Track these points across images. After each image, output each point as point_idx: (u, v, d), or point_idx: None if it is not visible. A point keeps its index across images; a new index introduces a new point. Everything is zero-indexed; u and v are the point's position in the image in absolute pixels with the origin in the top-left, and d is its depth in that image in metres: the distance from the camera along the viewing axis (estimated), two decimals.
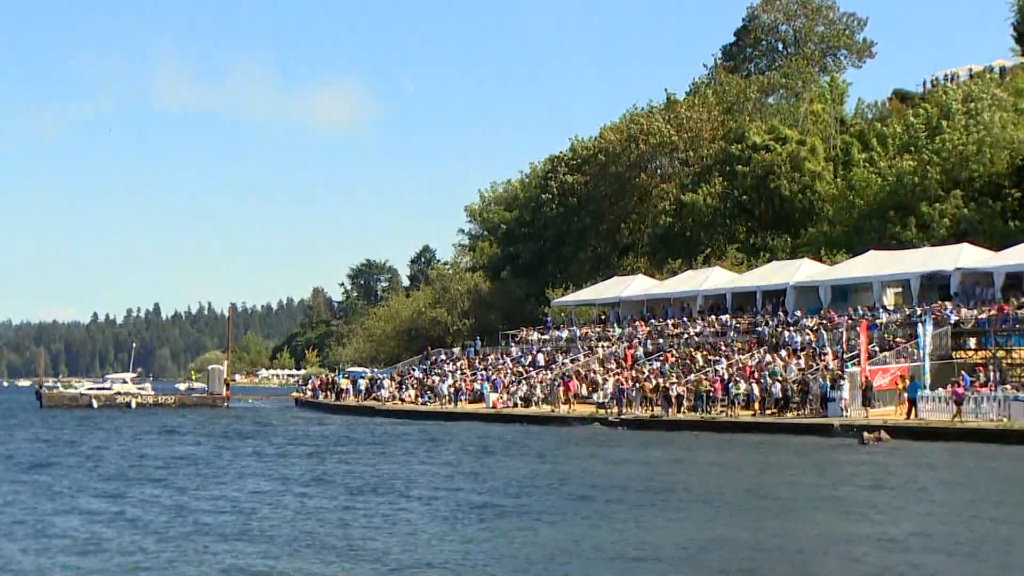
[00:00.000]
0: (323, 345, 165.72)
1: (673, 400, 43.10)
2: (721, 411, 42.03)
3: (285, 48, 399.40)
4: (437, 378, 60.78)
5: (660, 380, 45.59)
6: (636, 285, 63.14)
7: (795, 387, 40.65)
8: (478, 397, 54.31)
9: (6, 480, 25.57)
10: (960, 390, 35.50)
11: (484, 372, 58.31)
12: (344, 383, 68.17)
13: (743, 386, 41.76)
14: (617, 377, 48.51)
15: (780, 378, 41.45)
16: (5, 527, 18.42)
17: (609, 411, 44.63)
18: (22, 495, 22.63)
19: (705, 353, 49.09)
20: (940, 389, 37.07)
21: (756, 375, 42.97)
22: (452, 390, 55.98)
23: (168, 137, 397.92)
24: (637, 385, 45.72)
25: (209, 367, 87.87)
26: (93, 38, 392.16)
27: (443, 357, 67.32)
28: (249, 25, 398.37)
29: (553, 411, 48.10)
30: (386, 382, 63.03)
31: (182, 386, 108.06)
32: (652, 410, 43.72)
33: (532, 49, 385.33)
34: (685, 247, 70.30)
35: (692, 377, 45.15)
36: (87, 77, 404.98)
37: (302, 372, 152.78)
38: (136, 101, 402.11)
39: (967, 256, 47.50)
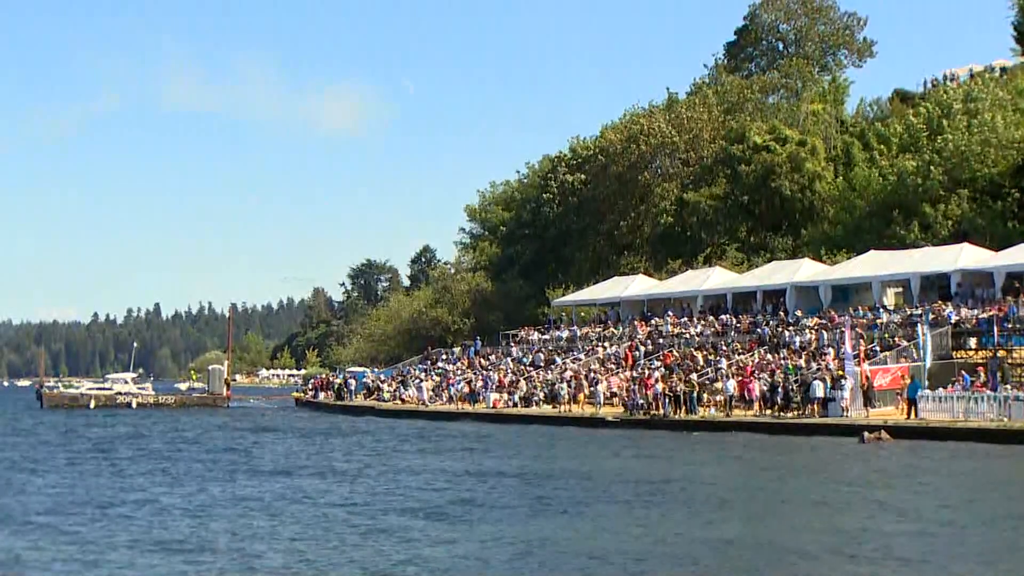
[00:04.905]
0: (323, 345, 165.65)
1: (672, 401, 43.12)
2: (720, 411, 42.12)
3: (289, 49, 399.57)
4: (439, 378, 60.81)
5: (663, 381, 45.53)
6: (636, 285, 63.11)
7: (796, 387, 40.69)
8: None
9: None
10: None
11: (484, 372, 58.33)
12: (339, 382, 69.19)
13: (758, 385, 41.74)
14: (616, 378, 48.55)
15: (779, 378, 41.49)
16: None
17: (637, 412, 44.30)
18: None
19: (705, 353, 49.10)
20: (940, 389, 37.11)
21: (757, 374, 43.05)
22: (467, 391, 55.82)
23: (170, 137, 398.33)
24: (641, 386, 45.66)
25: (209, 367, 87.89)
26: (97, 37, 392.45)
27: (443, 357, 67.35)
28: (254, 26, 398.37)
29: (558, 411, 48.16)
30: (424, 383, 60.96)
31: (183, 386, 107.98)
32: (652, 411, 43.70)
33: (532, 49, 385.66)
34: (685, 247, 70.29)
35: (694, 377, 45.14)
36: (91, 77, 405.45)
37: (302, 372, 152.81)
38: (140, 101, 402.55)
39: (967, 256, 47.49)
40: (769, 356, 45.59)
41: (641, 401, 44.30)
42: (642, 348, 53.24)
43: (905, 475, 25.47)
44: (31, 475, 27.04)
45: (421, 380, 61.10)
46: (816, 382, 39.30)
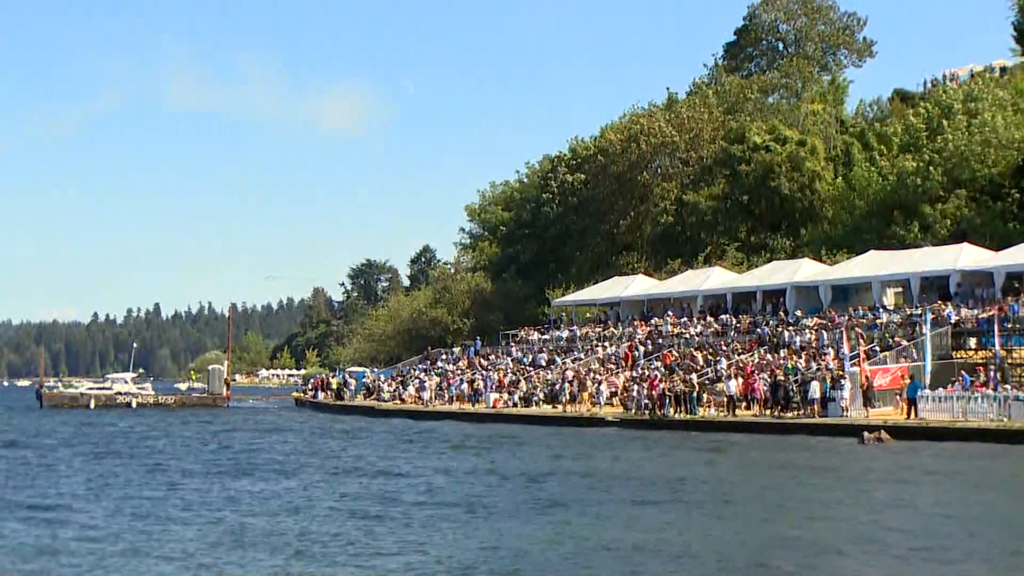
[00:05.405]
0: (323, 345, 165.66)
1: (672, 401, 43.11)
2: (721, 411, 42.15)
3: (289, 49, 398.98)
4: (438, 378, 60.81)
5: (664, 381, 45.52)
6: (636, 285, 63.15)
7: (796, 387, 40.70)
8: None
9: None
10: None
11: (484, 372, 58.32)
12: (335, 383, 69.89)
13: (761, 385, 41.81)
14: (616, 378, 48.53)
15: (782, 377, 41.48)
16: None
17: (639, 412, 44.20)
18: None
19: (705, 353, 49.11)
20: (940, 389, 37.12)
21: (757, 374, 43.05)
22: (468, 391, 55.66)
23: (170, 137, 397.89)
24: (644, 385, 45.65)
25: (209, 367, 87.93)
26: (97, 37, 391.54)
27: (443, 357, 67.35)
28: (254, 26, 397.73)
29: (558, 411, 48.19)
30: (428, 382, 60.34)
31: (182, 386, 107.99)
32: (658, 411, 43.69)
33: (532, 49, 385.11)
34: (685, 247, 70.33)
35: (693, 377, 45.13)
36: (91, 77, 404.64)
37: (302, 372, 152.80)
38: (140, 101, 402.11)
39: (967, 256, 47.54)
40: (769, 356, 45.60)
41: (646, 401, 44.29)
42: (642, 348, 53.27)
43: (905, 475, 25.47)
44: (36, 474, 27.06)
45: (424, 380, 61.07)
46: (813, 382, 39.32)
